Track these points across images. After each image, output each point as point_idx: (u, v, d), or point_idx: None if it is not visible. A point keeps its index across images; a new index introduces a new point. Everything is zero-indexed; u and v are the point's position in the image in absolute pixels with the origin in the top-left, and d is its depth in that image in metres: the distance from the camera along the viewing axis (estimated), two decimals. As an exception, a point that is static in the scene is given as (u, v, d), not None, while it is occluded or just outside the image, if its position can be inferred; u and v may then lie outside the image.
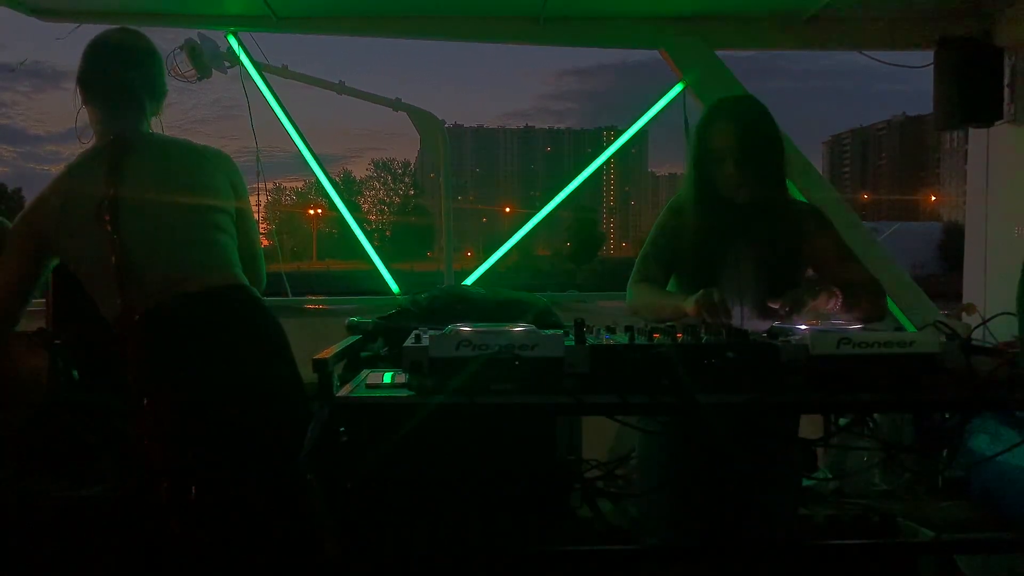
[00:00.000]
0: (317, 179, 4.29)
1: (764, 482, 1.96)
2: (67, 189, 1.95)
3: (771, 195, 2.13)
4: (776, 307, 1.94)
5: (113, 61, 2.03)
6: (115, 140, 1.97)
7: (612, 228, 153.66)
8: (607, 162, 4.62)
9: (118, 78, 2.01)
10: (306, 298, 4.16)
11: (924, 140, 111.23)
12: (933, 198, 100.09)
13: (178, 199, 1.95)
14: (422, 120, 4.27)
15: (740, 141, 2.07)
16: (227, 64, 3.83)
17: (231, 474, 1.84)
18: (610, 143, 4.93)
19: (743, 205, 2.12)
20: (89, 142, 2.04)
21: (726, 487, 1.95)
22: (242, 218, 2.09)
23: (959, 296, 3.92)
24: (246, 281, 2.03)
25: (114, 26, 2.13)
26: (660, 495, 2.02)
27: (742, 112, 2.13)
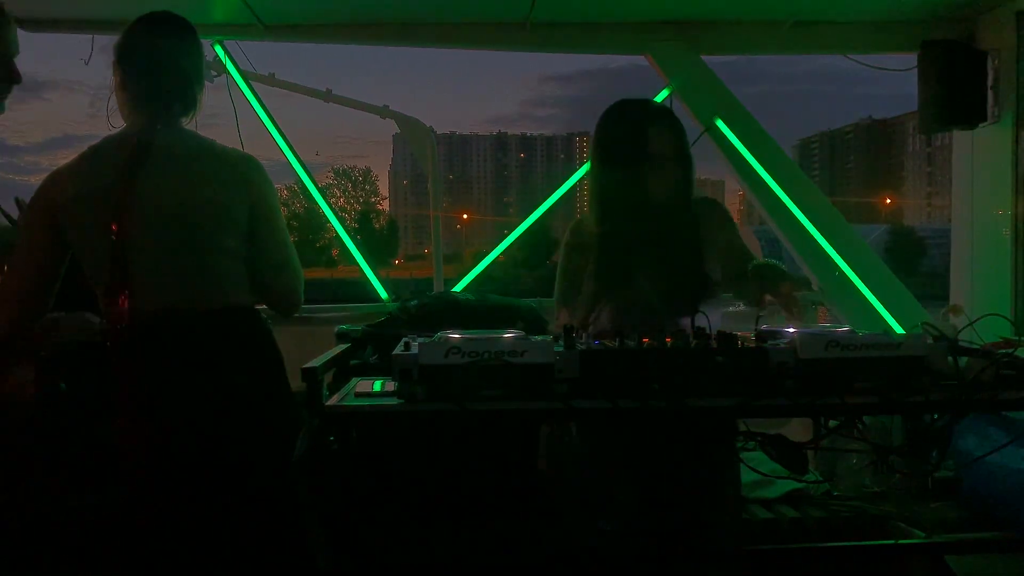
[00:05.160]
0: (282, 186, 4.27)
1: (694, 486, 1.96)
2: (84, 176, 1.88)
3: (680, 194, 2.13)
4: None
5: (166, 44, 1.94)
6: (139, 136, 1.90)
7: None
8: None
9: (163, 64, 1.93)
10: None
11: (890, 143, 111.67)
12: (888, 201, 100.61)
13: (188, 215, 1.87)
14: (409, 127, 4.27)
15: (676, 142, 2.10)
16: (213, 73, 3.81)
17: (215, 489, 1.82)
18: (584, 149, 4.88)
19: (651, 207, 2.11)
20: (117, 128, 1.96)
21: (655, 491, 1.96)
22: (263, 228, 1.97)
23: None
24: (249, 303, 1.96)
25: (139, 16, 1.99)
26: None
27: (666, 115, 2.15)
